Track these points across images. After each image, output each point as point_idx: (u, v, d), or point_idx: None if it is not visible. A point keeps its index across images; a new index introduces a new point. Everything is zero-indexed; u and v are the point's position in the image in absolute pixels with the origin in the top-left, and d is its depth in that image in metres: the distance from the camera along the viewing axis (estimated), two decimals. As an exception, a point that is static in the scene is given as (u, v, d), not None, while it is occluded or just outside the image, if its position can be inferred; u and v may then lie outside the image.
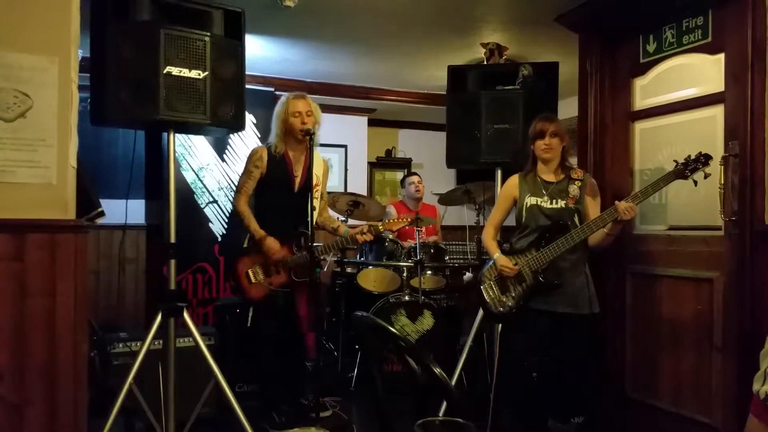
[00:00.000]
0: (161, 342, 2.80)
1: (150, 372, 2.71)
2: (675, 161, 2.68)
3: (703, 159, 2.63)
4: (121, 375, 2.67)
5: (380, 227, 3.31)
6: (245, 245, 3.32)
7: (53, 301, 2.18)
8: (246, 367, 3.75)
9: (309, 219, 3.05)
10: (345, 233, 3.34)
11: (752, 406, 1.71)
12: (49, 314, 2.18)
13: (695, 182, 2.65)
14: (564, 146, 2.94)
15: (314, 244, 3.05)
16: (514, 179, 3.06)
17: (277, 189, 3.31)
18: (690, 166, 2.63)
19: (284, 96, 3.37)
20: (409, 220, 3.48)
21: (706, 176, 2.64)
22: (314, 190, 3.27)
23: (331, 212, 3.90)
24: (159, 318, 2.68)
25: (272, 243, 3.20)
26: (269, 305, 3.27)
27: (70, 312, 2.21)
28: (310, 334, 3.51)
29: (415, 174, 5.36)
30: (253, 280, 3.22)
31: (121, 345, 3.18)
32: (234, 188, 4.86)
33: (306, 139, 3.14)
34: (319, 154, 3.41)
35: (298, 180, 3.34)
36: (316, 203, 3.32)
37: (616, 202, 2.69)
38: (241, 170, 3.38)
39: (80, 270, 2.26)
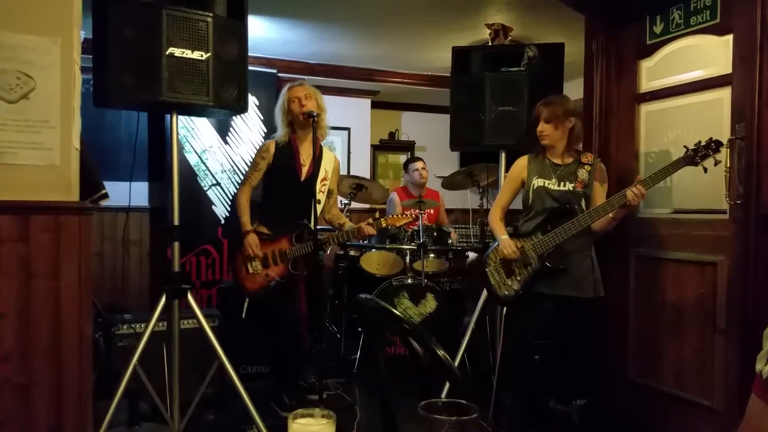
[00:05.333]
0: (165, 324, 2.82)
1: (154, 353, 2.72)
2: (685, 147, 2.66)
3: (714, 145, 2.60)
4: (125, 356, 2.69)
5: (383, 223, 3.28)
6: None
7: (58, 283, 2.18)
8: (252, 349, 3.78)
9: (313, 210, 3.02)
10: (350, 228, 3.30)
11: (754, 385, 1.71)
12: (54, 296, 2.18)
13: (705, 169, 2.64)
14: (571, 128, 2.91)
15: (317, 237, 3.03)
16: (523, 160, 3.03)
17: (284, 177, 3.26)
18: (700, 153, 2.61)
19: (284, 89, 3.36)
20: (413, 217, 3.47)
21: (716, 163, 2.62)
22: (321, 184, 3.26)
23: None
24: (163, 300, 2.69)
25: (251, 240, 3.17)
26: (263, 300, 3.25)
27: (75, 294, 2.22)
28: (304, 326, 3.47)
29: (419, 159, 5.21)
30: (250, 270, 3.21)
31: (125, 327, 3.20)
32: (237, 170, 4.88)
33: (310, 123, 3.10)
34: (331, 152, 3.42)
35: (305, 169, 3.28)
36: (322, 197, 3.30)
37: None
38: (243, 153, 3.38)
39: (84, 252, 2.25)
